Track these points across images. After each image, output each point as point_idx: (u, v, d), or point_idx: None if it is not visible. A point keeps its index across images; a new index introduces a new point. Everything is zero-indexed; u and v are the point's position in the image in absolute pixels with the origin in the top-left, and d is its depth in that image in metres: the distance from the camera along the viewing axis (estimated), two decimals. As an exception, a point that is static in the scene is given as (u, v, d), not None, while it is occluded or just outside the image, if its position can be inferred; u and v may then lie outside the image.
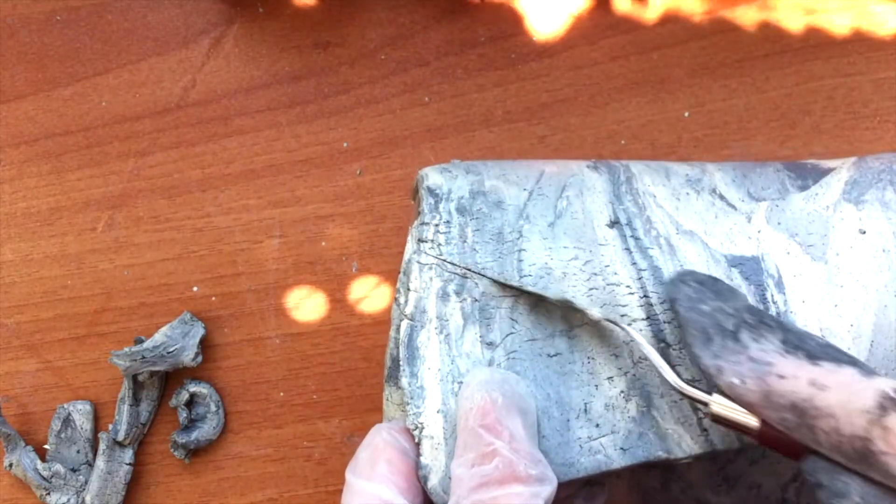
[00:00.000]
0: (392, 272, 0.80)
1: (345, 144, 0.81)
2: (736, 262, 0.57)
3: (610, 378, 0.55)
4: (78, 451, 0.80)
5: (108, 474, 0.79)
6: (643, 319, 0.56)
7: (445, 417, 0.54)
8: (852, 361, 0.48)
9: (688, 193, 0.60)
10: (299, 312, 0.80)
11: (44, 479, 0.79)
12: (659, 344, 0.55)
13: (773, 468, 0.59)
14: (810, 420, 0.46)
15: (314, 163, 0.81)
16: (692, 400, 0.52)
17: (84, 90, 0.83)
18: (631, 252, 0.57)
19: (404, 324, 0.56)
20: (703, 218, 0.59)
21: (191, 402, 0.80)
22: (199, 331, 0.79)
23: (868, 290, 0.56)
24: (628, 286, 0.56)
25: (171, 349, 0.77)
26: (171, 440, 0.79)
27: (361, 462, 0.54)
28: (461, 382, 0.55)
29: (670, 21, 0.80)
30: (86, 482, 0.79)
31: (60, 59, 0.83)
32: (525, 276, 0.56)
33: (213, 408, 0.79)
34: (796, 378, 0.47)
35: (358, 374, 0.80)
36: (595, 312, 0.55)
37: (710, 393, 0.51)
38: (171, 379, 0.81)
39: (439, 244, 0.57)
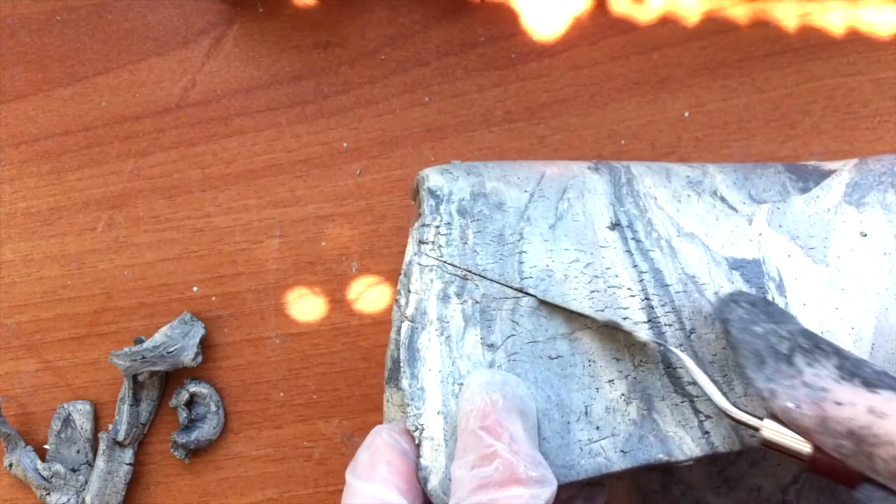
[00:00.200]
0: (392, 272, 0.80)
1: (345, 144, 0.81)
2: (737, 265, 0.57)
3: (611, 381, 0.55)
4: (78, 451, 0.80)
5: (108, 474, 0.79)
6: (644, 322, 0.56)
7: (446, 419, 0.54)
8: None
9: (689, 195, 0.60)
10: (299, 312, 0.80)
11: (44, 479, 0.79)
12: (661, 347, 0.55)
13: (774, 470, 0.59)
14: (868, 447, 0.46)
15: (314, 163, 0.81)
16: (742, 424, 0.51)
17: (84, 90, 0.83)
18: (632, 254, 0.57)
19: (405, 325, 0.56)
20: (704, 220, 0.59)
21: (191, 402, 0.80)
22: (199, 331, 0.79)
23: (869, 293, 0.56)
24: (629, 288, 0.56)
25: (171, 349, 0.77)
26: (171, 440, 0.79)
27: (361, 463, 0.54)
28: (462, 384, 0.55)
29: (670, 21, 0.80)
30: (86, 482, 0.79)
31: (60, 59, 0.83)
32: (526, 277, 0.57)
33: (213, 408, 0.79)
34: (854, 405, 0.47)
35: (358, 374, 0.80)
36: (642, 335, 0.55)
37: (760, 418, 0.50)
38: (171, 379, 0.81)
39: (440, 246, 0.57)
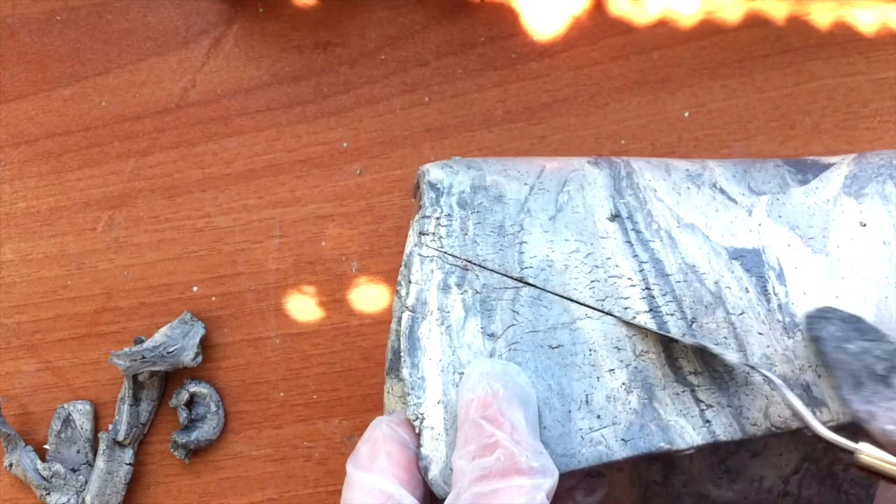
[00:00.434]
0: (392, 272, 0.80)
1: (345, 144, 0.81)
2: (737, 255, 0.57)
3: (611, 370, 0.55)
4: (78, 451, 0.80)
5: (108, 474, 0.79)
6: (646, 311, 0.56)
7: (446, 408, 0.54)
8: None
9: (688, 188, 0.60)
10: (299, 312, 0.80)
11: (44, 479, 0.79)
12: (662, 338, 0.55)
13: (775, 460, 0.59)
14: None
15: (314, 163, 0.81)
16: (837, 448, 0.51)
17: (84, 90, 0.83)
18: (632, 245, 0.57)
19: (405, 315, 0.56)
20: (703, 211, 0.59)
21: (191, 402, 0.80)
22: (199, 331, 0.79)
23: (869, 281, 0.56)
24: (630, 278, 0.57)
25: (171, 349, 0.77)
26: (171, 440, 0.79)
27: (362, 455, 0.54)
28: (462, 373, 0.55)
29: (670, 21, 0.80)
30: (86, 482, 0.79)
31: (60, 59, 0.83)
32: (526, 268, 0.57)
33: (213, 408, 0.79)
34: None
35: (358, 374, 0.80)
36: (732, 357, 0.55)
37: (856, 441, 0.50)
38: (171, 379, 0.81)
39: (440, 237, 0.57)
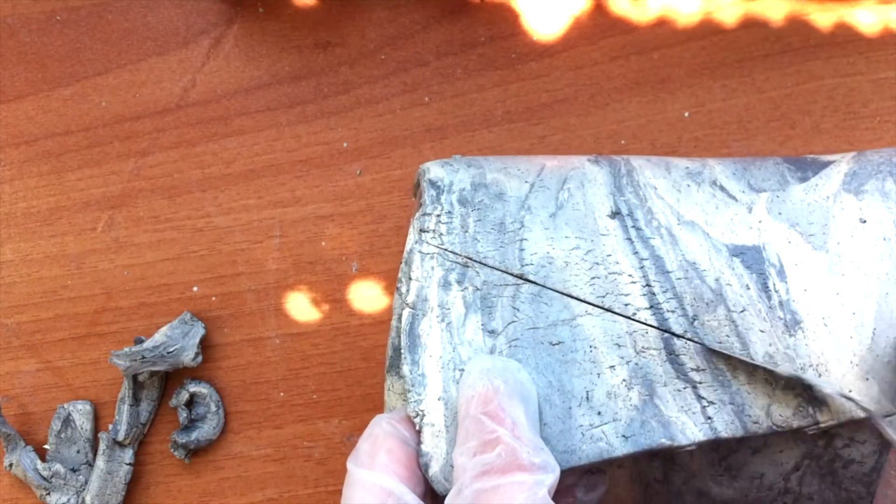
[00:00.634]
0: (392, 272, 0.80)
1: (345, 144, 0.81)
2: (737, 252, 0.57)
3: (612, 367, 0.55)
4: (78, 451, 0.80)
5: (108, 474, 0.79)
6: (647, 308, 0.56)
7: (446, 405, 0.54)
8: None
9: (688, 185, 0.60)
10: (299, 312, 0.80)
11: (44, 479, 0.79)
12: (663, 334, 0.56)
13: (776, 457, 0.59)
14: None
15: (314, 163, 0.81)
16: None
17: (84, 90, 0.83)
18: (632, 242, 0.57)
19: (406, 312, 0.56)
20: (703, 209, 0.59)
21: (191, 402, 0.80)
22: (199, 331, 0.79)
23: (869, 278, 0.56)
24: (630, 275, 0.57)
25: (171, 349, 0.77)
26: (171, 440, 0.79)
27: (362, 452, 0.54)
28: (462, 370, 0.55)
29: (670, 21, 0.80)
30: (86, 482, 0.79)
31: (60, 59, 0.83)
32: (526, 265, 0.57)
33: (213, 408, 0.79)
34: None
35: (358, 374, 0.80)
36: (827, 388, 0.55)
37: None
38: (171, 379, 0.81)
39: (441, 234, 0.58)
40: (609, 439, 0.54)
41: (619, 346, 0.56)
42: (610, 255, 0.57)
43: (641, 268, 0.57)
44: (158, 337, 0.78)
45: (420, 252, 0.57)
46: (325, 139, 0.81)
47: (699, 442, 0.55)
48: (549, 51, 0.81)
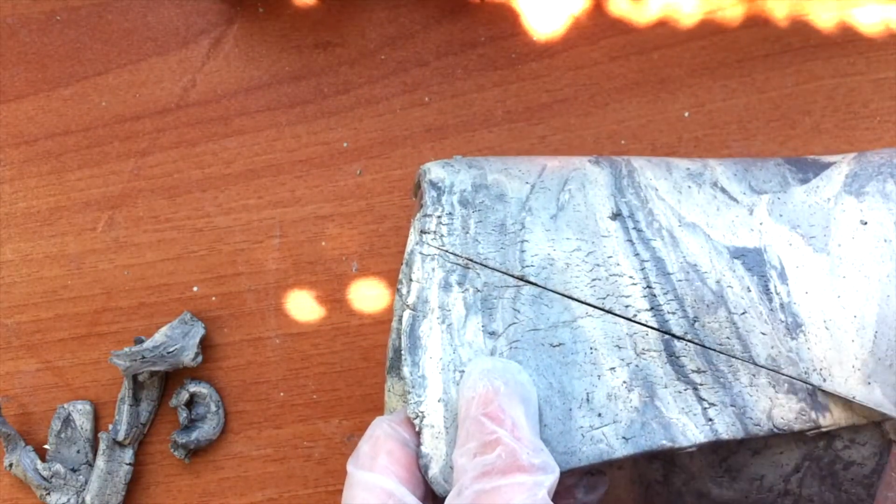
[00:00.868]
0: (392, 272, 0.80)
1: (345, 144, 0.81)
2: (738, 254, 0.57)
3: (612, 368, 0.55)
4: (78, 451, 0.80)
5: (108, 474, 0.79)
6: (647, 310, 0.56)
7: (446, 407, 0.54)
8: None
9: (689, 187, 0.60)
10: (299, 312, 0.80)
11: (44, 479, 0.79)
12: (664, 336, 0.56)
13: (776, 459, 0.59)
14: None
15: (314, 163, 0.81)
16: None
17: (84, 90, 0.83)
18: (633, 243, 0.57)
19: (406, 313, 0.56)
20: (705, 210, 0.59)
21: (191, 402, 0.80)
22: (199, 331, 0.79)
23: (871, 280, 0.56)
24: (631, 276, 0.57)
25: (171, 349, 0.77)
26: (171, 440, 0.79)
27: (363, 454, 0.54)
28: (463, 372, 0.55)
29: (670, 21, 0.80)
30: (86, 482, 0.79)
31: (60, 59, 0.83)
32: (527, 266, 0.57)
33: (213, 408, 0.79)
34: None
35: (358, 374, 0.80)
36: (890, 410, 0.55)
37: None
38: (171, 379, 0.81)
39: (441, 235, 0.58)
40: (609, 441, 0.54)
41: (620, 347, 0.56)
42: (611, 257, 0.57)
43: (642, 269, 0.57)
44: (158, 337, 0.78)
45: (421, 253, 0.57)
46: (325, 139, 0.81)
47: (700, 444, 0.55)
48: (549, 51, 0.81)
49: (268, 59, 0.82)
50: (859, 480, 0.59)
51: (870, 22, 0.79)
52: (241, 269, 0.80)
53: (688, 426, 0.55)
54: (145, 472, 0.81)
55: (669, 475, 0.62)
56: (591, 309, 0.56)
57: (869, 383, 0.55)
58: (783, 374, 0.55)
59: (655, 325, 0.56)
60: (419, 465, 0.54)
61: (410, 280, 0.57)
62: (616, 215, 0.59)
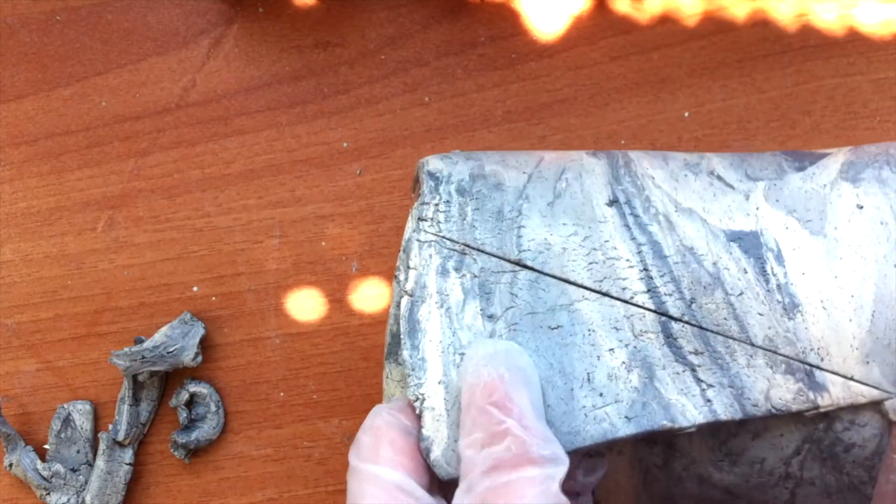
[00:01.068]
0: (392, 272, 0.80)
1: (345, 144, 0.81)
2: (735, 237, 0.57)
3: (611, 350, 0.55)
4: (78, 451, 0.80)
5: (108, 474, 0.79)
6: (644, 292, 0.56)
7: (447, 388, 0.54)
8: None
9: (686, 175, 0.60)
10: (299, 312, 0.80)
11: (44, 479, 0.79)
12: (661, 317, 0.56)
13: (776, 442, 0.59)
14: None
15: (314, 163, 0.81)
16: None
17: (84, 90, 0.83)
18: (630, 228, 0.57)
19: (404, 300, 0.56)
20: (701, 196, 0.59)
21: (191, 402, 0.80)
22: (199, 331, 0.79)
23: (867, 261, 0.56)
24: (628, 260, 0.57)
25: (171, 349, 0.77)
26: (171, 440, 0.79)
27: (364, 446, 0.54)
28: (462, 354, 0.54)
29: (670, 21, 0.80)
30: (86, 482, 0.79)
31: (60, 59, 0.83)
32: (524, 251, 0.57)
33: (213, 408, 0.79)
34: None
35: (358, 374, 0.80)
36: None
37: None
38: (171, 379, 0.81)
39: (439, 222, 0.58)
40: (612, 420, 0.54)
41: (618, 329, 0.56)
42: (607, 241, 0.57)
43: (639, 252, 0.57)
44: (158, 337, 0.78)
45: (418, 240, 0.57)
46: (325, 139, 0.81)
47: (699, 424, 0.55)
48: (549, 51, 0.81)
49: (268, 59, 0.82)
50: (860, 463, 0.58)
51: (870, 22, 0.79)
52: (241, 269, 0.81)
53: (687, 407, 0.55)
54: (145, 472, 0.81)
55: (669, 460, 0.61)
56: (589, 292, 0.56)
57: (867, 362, 0.55)
58: (780, 355, 0.55)
59: (652, 307, 0.56)
60: (421, 451, 0.54)
61: (408, 267, 0.57)
62: (613, 202, 0.59)
